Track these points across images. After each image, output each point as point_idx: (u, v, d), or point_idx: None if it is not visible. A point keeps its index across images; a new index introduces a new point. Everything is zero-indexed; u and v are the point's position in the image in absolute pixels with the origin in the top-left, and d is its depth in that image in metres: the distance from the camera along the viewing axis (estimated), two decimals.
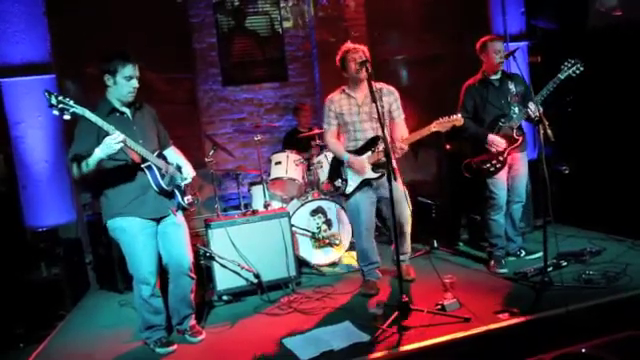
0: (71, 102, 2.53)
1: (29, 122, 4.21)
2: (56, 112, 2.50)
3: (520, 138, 3.75)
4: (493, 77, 3.80)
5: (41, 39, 4.26)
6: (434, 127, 3.42)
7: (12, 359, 3.31)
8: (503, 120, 3.72)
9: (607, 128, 4.50)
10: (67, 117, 2.53)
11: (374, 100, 3.08)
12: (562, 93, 3.76)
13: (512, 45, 4.95)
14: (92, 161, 2.67)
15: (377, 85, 3.46)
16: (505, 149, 3.72)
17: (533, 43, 5.22)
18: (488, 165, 3.77)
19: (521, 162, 3.87)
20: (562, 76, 3.57)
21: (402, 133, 3.53)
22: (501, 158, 3.75)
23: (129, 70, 2.82)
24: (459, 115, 3.44)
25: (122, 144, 2.64)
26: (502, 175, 3.80)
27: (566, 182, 4.68)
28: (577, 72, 3.58)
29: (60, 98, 2.49)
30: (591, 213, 4.49)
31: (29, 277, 3.85)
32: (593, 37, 4.60)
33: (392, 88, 3.62)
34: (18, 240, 4.08)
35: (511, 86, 3.78)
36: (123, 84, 2.83)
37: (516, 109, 3.72)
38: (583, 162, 4.68)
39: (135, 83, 2.87)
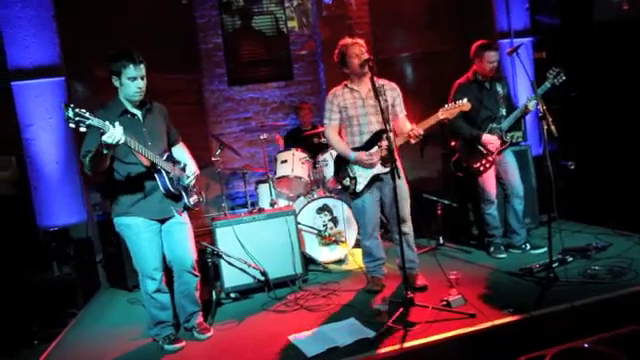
0: (87, 114, 2.44)
1: (40, 124, 4.27)
2: (72, 125, 2.40)
3: (509, 140, 3.91)
4: (483, 80, 3.91)
5: (50, 42, 4.31)
6: (441, 114, 3.39)
7: (26, 356, 3.38)
8: (494, 124, 3.85)
9: (613, 123, 4.48)
10: (83, 129, 2.44)
11: (377, 96, 3.10)
12: (567, 89, 3.78)
13: (516, 41, 4.95)
14: (95, 151, 2.59)
15: (379, 81, 3.43)
16: (497, 149, 3.87)
17: (538, 39, 5.20)
18: (478, 165, 3.93)
19: (507, 157, 4.01)
20: (548, 84, 3.61)
21: (406, 128, 3.46)
22: (490, 158, 3.91)
23: (132, 71, 2.80)
24: (465, 100, 3.39)
25: (116, 145, 2.53)
26: (490, 173, 3.97)
27: (572, 178, 4.67)
28: (560, 81, 3.60)
29: (77, 111, 2.40)
30: (598, 209, 4.47)
31: (41, 276, 3.93)
32: (598, 32, 4.58)
33: (394, 84, 3.59)
34: (30, 240, 4.16)
35: (499, 88, 3.92)
36: (128, 85, 2.83)
37: (504, 111, 3.88)
38: (589, 157, 4.66)
39: (139, 83, 2.85)
